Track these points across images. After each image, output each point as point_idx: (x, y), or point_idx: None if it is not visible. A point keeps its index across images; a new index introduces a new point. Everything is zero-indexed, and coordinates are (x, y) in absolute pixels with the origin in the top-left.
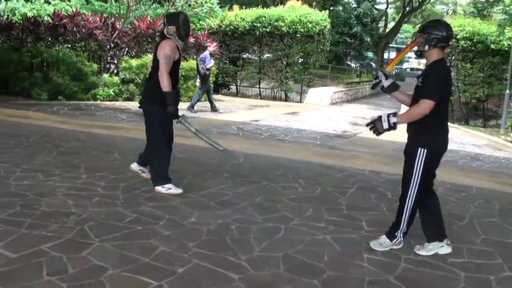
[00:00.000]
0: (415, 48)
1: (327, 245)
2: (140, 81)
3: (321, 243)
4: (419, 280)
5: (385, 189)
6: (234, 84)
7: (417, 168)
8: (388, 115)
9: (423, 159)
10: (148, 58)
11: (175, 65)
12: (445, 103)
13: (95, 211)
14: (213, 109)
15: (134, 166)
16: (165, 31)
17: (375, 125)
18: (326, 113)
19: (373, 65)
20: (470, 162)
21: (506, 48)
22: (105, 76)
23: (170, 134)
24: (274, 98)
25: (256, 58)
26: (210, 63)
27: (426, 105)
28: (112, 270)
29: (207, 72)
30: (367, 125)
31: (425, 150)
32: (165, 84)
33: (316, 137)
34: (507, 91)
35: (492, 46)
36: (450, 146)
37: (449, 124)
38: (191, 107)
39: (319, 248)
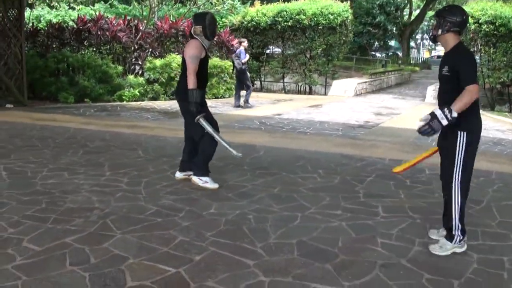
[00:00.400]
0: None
1: (342, 231)
2: (164, 81)
3: (336, 229)
4: (431, 263)
5: (404, 176)
6: (258, 79)
7: (459, 151)
8: (443, 111)
9: (465, 141)
10: (172, 57)
11: (202, 63)
12: None
13: (117, 205)
14: (236, 104)
15: (178, 174)
16: (192, 30)
17: (431, 126)
18: (349, 104)
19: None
20: (492, 147)
21: None
22: (130, 77)
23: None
24: (298, 92)
25: (279, 52)
26: (245, 57)
27: (471, 91)
28: (132, 259)
29: (243, 67)
30: (421, 130)
31: (465, 133)
32: (190, 81)
33: (338, 129)
34: None
35: None
36: None
37: None
38: (246, 102)
39: (334, 235)
